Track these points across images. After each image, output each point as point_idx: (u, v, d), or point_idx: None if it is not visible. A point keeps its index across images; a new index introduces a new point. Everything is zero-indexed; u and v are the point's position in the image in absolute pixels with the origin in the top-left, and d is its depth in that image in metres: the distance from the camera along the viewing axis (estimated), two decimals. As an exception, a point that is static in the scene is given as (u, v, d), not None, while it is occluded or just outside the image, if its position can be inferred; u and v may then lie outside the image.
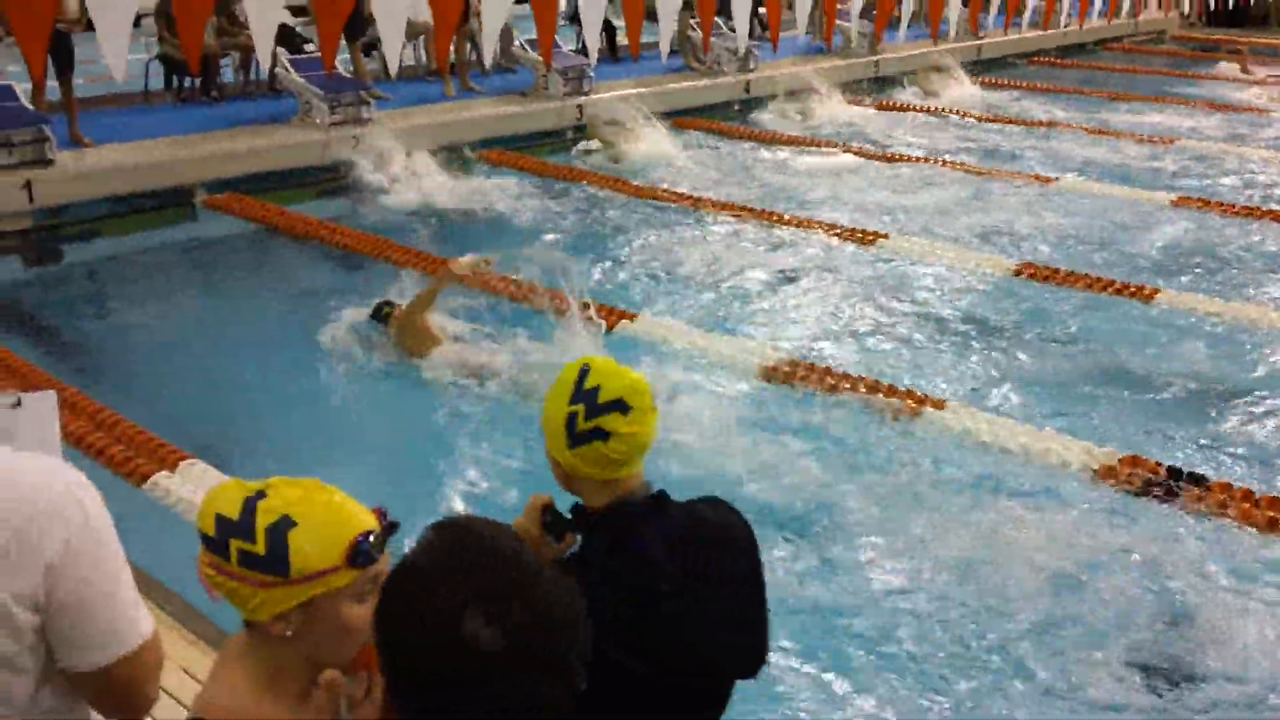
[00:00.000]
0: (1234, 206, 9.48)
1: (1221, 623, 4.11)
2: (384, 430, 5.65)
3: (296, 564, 1.62)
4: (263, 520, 1.63)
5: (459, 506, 4.75)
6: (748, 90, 13.61)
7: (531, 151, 11.22)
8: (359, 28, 11.16)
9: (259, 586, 1.63)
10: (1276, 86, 14.24)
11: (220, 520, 1.65)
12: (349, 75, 11.03)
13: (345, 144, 10.04)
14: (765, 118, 13.08)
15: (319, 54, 10.43)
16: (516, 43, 11.97)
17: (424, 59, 13.27)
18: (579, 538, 2.02)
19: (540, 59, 11.29)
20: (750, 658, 2.04)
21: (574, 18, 11.91)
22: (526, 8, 10.23)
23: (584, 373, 2.00)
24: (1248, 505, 4.74)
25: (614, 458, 1.97)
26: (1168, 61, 18.65)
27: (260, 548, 1.62)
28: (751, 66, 13.71)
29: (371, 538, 1.67)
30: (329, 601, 1.65)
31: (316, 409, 5.80)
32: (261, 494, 1.66)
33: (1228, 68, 16.31)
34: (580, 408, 1.96)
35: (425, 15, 11.80)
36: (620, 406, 1.96)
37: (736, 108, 13.47)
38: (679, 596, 1.91)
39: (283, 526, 1.63)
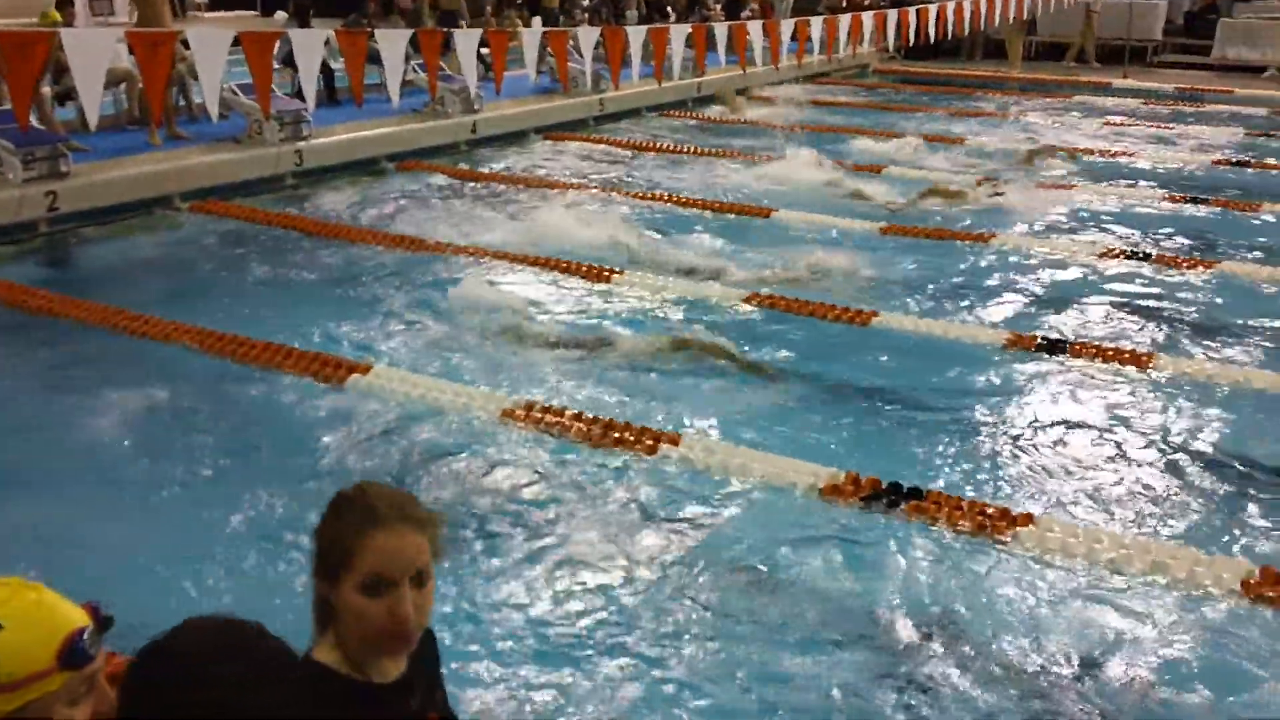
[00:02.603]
0: (938, 230, 10.12)
1: (941, 625, 4.31)
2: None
3: (5, 670, 1.50)
4: None
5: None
6: (474, 131, 13.56)
7: (249, 199, 10.79)
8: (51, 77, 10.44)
9: None
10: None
11: None
12: (44, 127, 10.29)
13: (39, 201, 9.35)
14: (492, 158, 13.08)
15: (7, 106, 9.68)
16: (227, 86, 11.49)
17: (125, 107, 12.54)
18: None
19: (255, 104, 10.87)
20: None
21: (288, 61, 11.53)
22: (236, 50, 9.83)
23: None
24: (959, 513, 5.01)
25: None
26: (873, 94, 19.86)
27: None
28: (477, 108, 13.69)
29: (86, 635, 1.56)
30: (41, 707, 1.53)
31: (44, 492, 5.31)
32: None
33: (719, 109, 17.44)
34: None
35: (125, 61, 11.18)
36: None
37: (464, 149, 13.41)
38: None
39: None
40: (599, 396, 6.43)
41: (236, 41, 9.42)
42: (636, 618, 4.33)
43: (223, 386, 6.43)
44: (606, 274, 8.58)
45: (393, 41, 10.53)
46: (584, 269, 8.68)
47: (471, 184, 11.86)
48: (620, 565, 4.70)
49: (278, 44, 10.28)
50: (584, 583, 4.58)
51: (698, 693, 3.92)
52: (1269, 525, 5.12)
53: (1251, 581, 4.53)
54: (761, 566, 4.69)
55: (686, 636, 4.22)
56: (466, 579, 4.55)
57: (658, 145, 14.14)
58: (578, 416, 5.96)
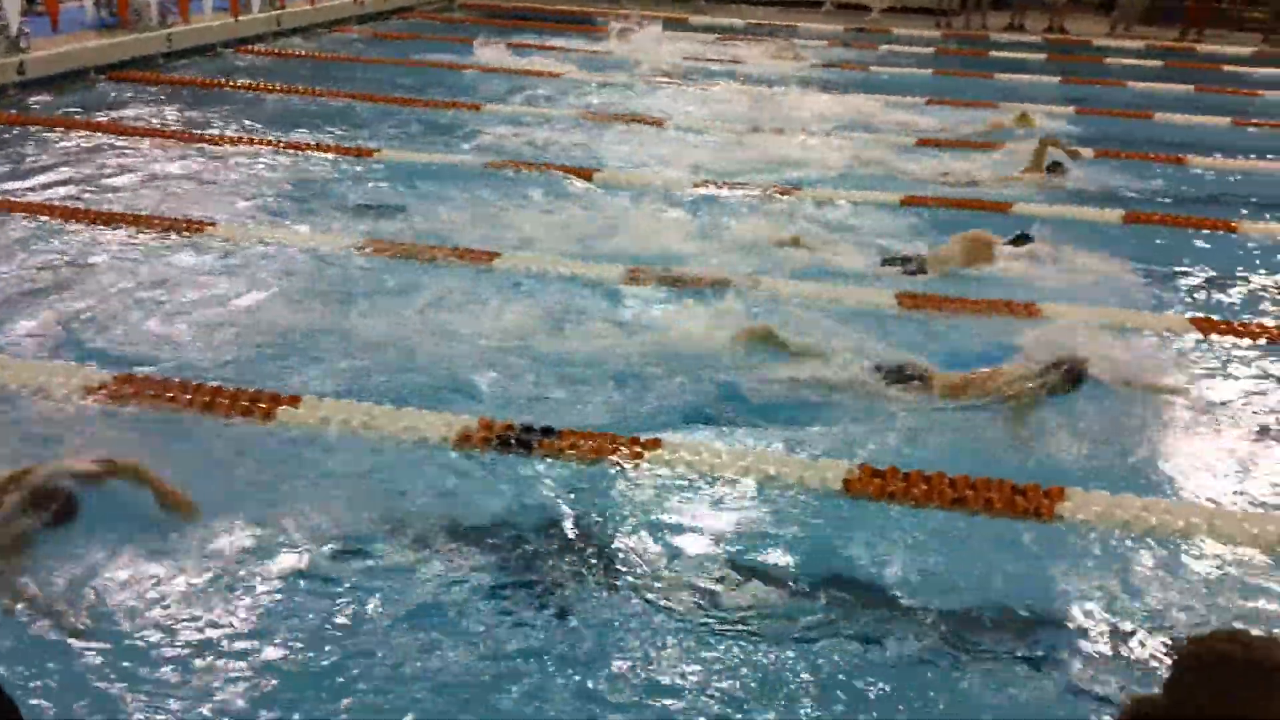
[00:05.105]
0: (533, 165, 9.98)
1: (582, 544, 4.54)
2: None
3: None
4: None
5: None
6: (22, 72, 12.05)
7: None
8: None
9: None
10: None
11: None
12: None
13: None
14: (45, 103, 11.73)
15: None
16: None
17: None
18: None
19: None
20: None
21: None
22: None
23: None
24: (591, 445, 5.14)
25: None
26: (459, 30, 19.51)
27: None
28: (24, 46, 12.15)
29: None
30: None
31: None
32: None
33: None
34: None
35: None
36: None
37: (12, 92, 11.90)
38: None
39: None
40: (205, 360, 5.96)
41: None
42: (258, 585, 4.16)
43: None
44: (193, 226, 7.92)
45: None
46: (166, 222, 7.96)
47: (16, 131, 10.53)
48: (245, 535, 4.41)
49: None
50: (207, 557, 4.27)
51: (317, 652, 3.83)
52: (865, 427, 5.59)
53: (852, 479, 4.96)
54: (394, 524, 4.56)
55: (314, 606, 4.06)
56: (75, 566, 4.12)
57: (234, 83, 13.21)
58: (183, 385, 5.49)
